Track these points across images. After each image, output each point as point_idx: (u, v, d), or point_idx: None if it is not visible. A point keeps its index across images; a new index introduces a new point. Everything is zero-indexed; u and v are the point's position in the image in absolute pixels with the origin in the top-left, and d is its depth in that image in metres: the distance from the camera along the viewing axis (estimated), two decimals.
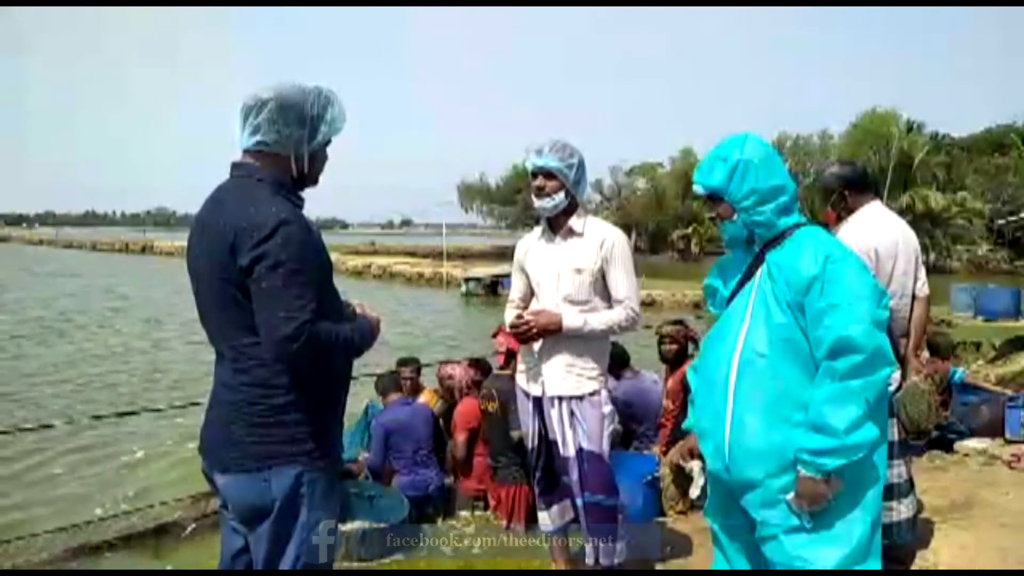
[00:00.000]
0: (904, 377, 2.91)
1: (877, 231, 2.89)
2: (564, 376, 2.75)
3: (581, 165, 2.75)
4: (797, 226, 2.00)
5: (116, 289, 23.67)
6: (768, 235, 2.00)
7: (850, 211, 3.00)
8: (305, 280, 1.68)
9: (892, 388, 2.85)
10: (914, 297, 2.99)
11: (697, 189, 2.07)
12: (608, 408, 2.79)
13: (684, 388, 4.31)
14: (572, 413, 2.76)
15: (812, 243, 1.92)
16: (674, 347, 4.52)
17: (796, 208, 2.03)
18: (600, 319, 2.70)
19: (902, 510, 2.89)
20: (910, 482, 2.97)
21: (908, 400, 2.89)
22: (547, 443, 2.89)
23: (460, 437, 4.44)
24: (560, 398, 2.76)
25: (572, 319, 2.68)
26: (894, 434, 2.86)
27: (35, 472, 5.98)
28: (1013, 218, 27.05)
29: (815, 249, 1.89)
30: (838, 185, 3.00)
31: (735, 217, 2.00)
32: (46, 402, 8.64)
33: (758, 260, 2.02)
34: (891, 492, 2.84)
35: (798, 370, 1.88)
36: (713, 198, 2.03)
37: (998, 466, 4.48)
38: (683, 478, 4.20)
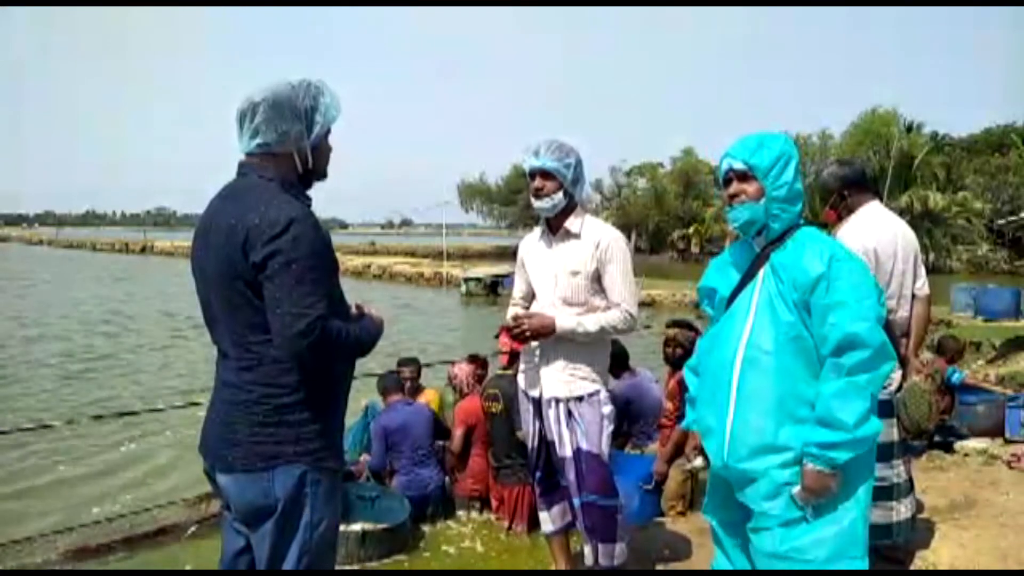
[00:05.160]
0: (904, 377, 2.91)
1: (876, 231, 2.89)
2: (562, 378, 2.75)
3: (578, 164, 2.75)
4: (797, 226, 2.03)
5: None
6: (773, 234, 2.03)
7: (850, 211, 2.99)
8: (317, 277, 1.69)
9: (892, 388, 2.85)
10: (914, 297, 2.99)
11: (731, 163, 2.02)
12: (608, 409, 2.79)
13: (684, 389, 4.31)
14: (570, 414, 2.75)
15: (815, 243, 1.96)
16: (679, 352, 4.51)
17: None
18: (595, 321, 2.69)
19: (902, 510, 2.89)
20: (910, 482, 2.97)
21: (909, 400, 2.88)
22: (547, 444, 2.89)
23: (458, 431, 4.45)
24: (558, 399, 2.76)
25: (565, 321, 2.67)
26: (894, 434, 2.86)
27: (37, 472, 5.98)
28: (1013, 218, 26.99)
29: (820, 249, 1.93)
30: (837, 185, 3.00)
31: (761, 201, 1.99)
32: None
33: (760, 259, 2.04)
34: (891, 492, 2.85)
35: (803, 367, 1.92)
36: (744, 176, 2.00)
37: (998, 466, 4.49)
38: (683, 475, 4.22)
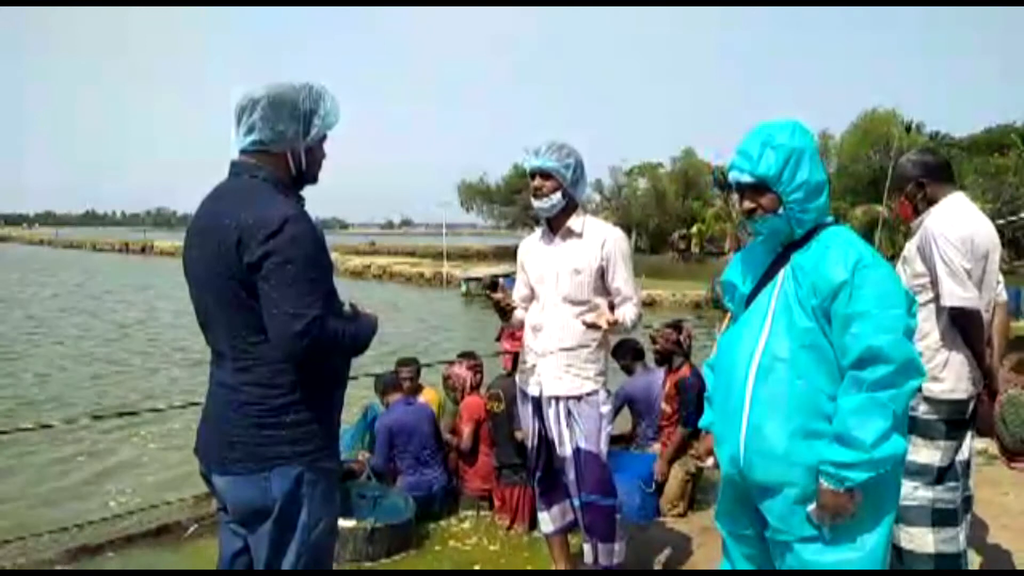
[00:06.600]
0: (988, 390, 2.58)
1: (974, 220, 2.56)
2: (562, 376, 2.76)
3: (579, 165, 2.76)
4: (822, 225, 1.89)
5: None
6: (798, 236, 1.89)
7: (930, 202, 2.62)
8: (314, 277, 1.69)
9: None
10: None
11: (738, 177, 1.87)
12: (606, 408, 2.80)
13: (678, 391, 4.32)
14: (569, 413, 2.76)
15: (841, 245, 1.81)
16: (658, 349, 4.52)
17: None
18: (625, 314, 2.72)
19: (960, 537, 2.56)
20: (968, 500, 2.66)
21: (1008, 414, 2.59)
22: (547, 443, 2.89)
23: (466, 429, 4.44)
24: (557, 398, 2.77)
25: (624, 318, 2.70)
26: (963, 453, 2.58)
27: (37, 471, 5.98)
28: (1013, 218, 26.96)
29: (845, 252, 1.78)
30: (917, 172, 2.64)
31: (780, 211, 1.85)
32: None
33: (781, 260, 1.91)
34: (956, 516, 2.55)
35: (821, 377, 1.79)
36: (757, 188, 1.85)
37: (998, 466, 4.48)
38: (685, 477, 4.22)
